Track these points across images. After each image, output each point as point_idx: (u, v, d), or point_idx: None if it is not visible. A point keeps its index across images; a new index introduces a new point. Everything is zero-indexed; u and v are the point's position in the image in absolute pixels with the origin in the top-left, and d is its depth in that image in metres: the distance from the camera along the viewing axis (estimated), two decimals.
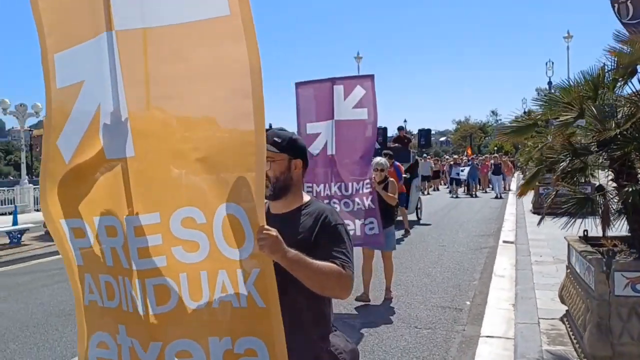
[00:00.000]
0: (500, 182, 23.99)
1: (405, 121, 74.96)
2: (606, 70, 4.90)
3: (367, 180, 6.80)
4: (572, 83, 4.88)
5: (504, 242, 11.74)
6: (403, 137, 17.27)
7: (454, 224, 15.46)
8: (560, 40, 38.59)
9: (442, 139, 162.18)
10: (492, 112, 72.94)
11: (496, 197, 23.21)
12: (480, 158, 32.30)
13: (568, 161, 4.75)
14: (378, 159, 7.28)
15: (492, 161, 25.85)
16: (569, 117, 4.56)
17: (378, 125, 26.66)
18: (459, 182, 25.75)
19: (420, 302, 7.16)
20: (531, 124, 5.00)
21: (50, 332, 6.36)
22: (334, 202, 6.65)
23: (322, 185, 6.87)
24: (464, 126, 75.48)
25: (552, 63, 39.35)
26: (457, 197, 24.67)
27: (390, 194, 7.11)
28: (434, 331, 6.00)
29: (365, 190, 6.76)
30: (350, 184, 6.81)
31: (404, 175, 14.75)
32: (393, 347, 5.53)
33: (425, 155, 35.26)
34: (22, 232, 13.58)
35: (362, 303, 7.07)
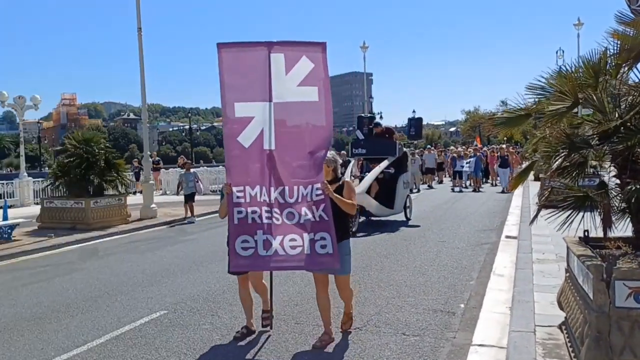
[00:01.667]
0: (506, 175, 23.01)
1: (413, 111, 74.22)
2: (608, 55, 4.40)
3: (318, 185, 5.08)
4: (569, 69, 4.39)
5: (507, 237, 11.27)
6: (381, 132, 15.32)
7: (455, 217, 14.96)
8: (571, 28, 37.72)
9: (452, 129, 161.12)
10: (502, 102, 72.00)
11: (502, 192, 22.40)
12: (484, 149, 31.28)
13: (564, 156, 4.27)
14: (330, 153, 5.42)
15: (499, 153, 25.03)
16: (561, 106, 4.09)
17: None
18: (462, 176, 24.62)
19: (412, 305, 6.73)
20: (523, 114, 4.53)
21: (14, 337, 5.99)
22: (275, 213, 5.13)
23: (257, 188, 5.17)
24: (474, 116, 74.68)
25: (563, 51, 38.62)
26: (460, 191, 23.59)
27: (347, 199, 5.28)
28: (421, 338, 5.56)
29: (315, 197, 5.08)
30: (295, 189, 5.14)
31: (387, 171, 14.16)
32: (376, 358, 5.10)
33: (428, 146, 34.52)
34: (13, 227, 13.25)
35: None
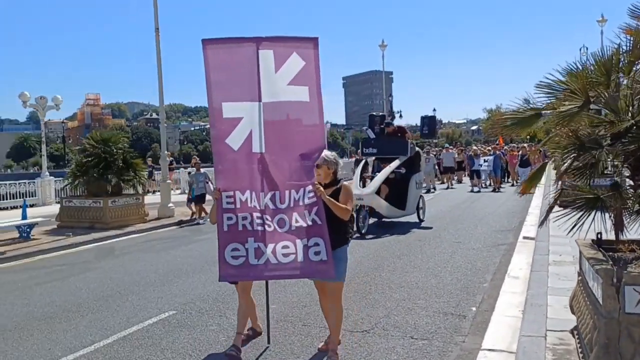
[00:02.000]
0: (527, 174, 22.52)
1: (434, 110, 73.56)
2: (621, 52, 4.25)
3: (310, 188, 4.79)
4: (580, 67, 4.25)
5: (524, 238, 11.08)
6: (393, 131, 14.96)
7: (473, 218, 14.76)
8: (594, 25, 37.00)
9: (474, 127, 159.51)
10: (525, 100, 70.92)
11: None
12: (505, 148, 30.57)
13: (573, 157, 4.13)
14: (326, 153, 5.02)
15: (520, 152, 24.46)
16: (573, 106, 3.95)
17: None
18: (480, 175, 23.78)
19: (422, 308, 6.62)
20: (533, 115, 4.40)
21: (24, 337, 6.04)
22: (267, 220, 4.82)
23: (248, 193, 4.85)
24: (495, 115, 73.76)
25: (587, 49, 37.76)
26: (479, 191, 22.78)
27: (342, 205, 4.89)
28: (430, 342, 5.46)
29: (307, 201, 4.78)
30: (287, 194, 4.83)
31: (398, 171, 13.80)
32: None
33: (447, 145, 34.07)
34: (31, 226, 13.45)
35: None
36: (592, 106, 4.38)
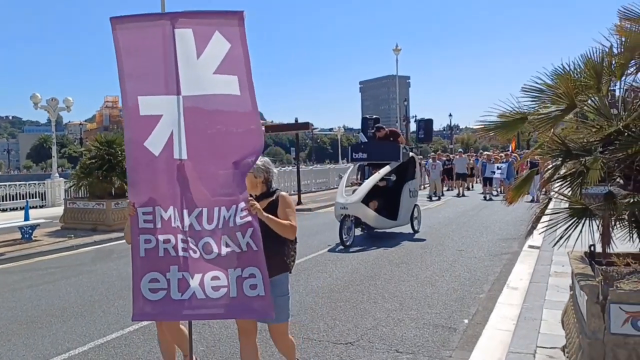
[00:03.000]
0: (537, 182, 21.72)
1: (450, 115, 73.16)
2: (613, 54, 4.00)
3: (243, 204, 3.72)
4: (568, 69, 4.00)
5: (530, 247, 10.74)
6: (385, 135, 13.84)
7: (479, 225, 14.43)
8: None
9: (492, 133, 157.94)
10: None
11: (532, 201, 21.30)
12: (515, 154, 29.85)
13: (559, 164, 3.89)
14: (260, 160, 4.07)
15: (529, 159, 23.85)
16: (556, 110, 3.70)
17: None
18: (492, 182, 22.99)
19: (413, 319, 6.38)
20: (519, 118, 4.15)
21: (0, 343, 5.92)
22: (191, 244, 3.77)
23: (171, 210, 3.82)
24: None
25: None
26: (490, 199, 21.77)
27: (282, 220, 3.97)
28: (415, 357, 5.22)
29: (240, 220, 3.72)
30: (215, 212, 3.78)
31: (389, 178, 12.92)
32: None
33: (460, 150, 33.57)
34: (34, 227, 13.44)
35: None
36: (585, 109, 4.14)
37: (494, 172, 22.70)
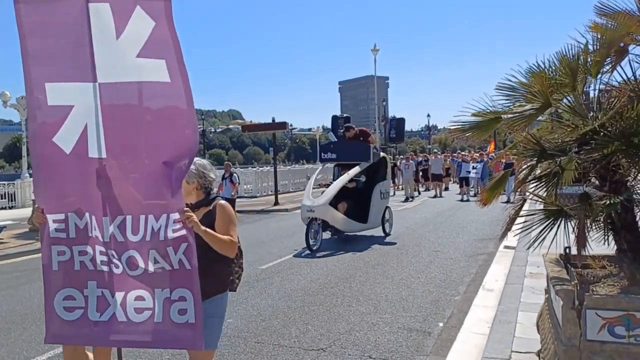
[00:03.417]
0: (511, 183, 21.79)
1: (428, 115, 73.70)
2: (589, 52, 3.88)
3: (177, 215, 3.16)
4: (543, 67, 3.88)
5: (505, 247, 10.69)
6: (354, 135, 13.35)
7: (456, 226, 14.38)
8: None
9: (469, 133, 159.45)
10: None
11: (507, 202, 21.30)
12: (492, 154, 29.96)
13: (533, 164, 3.77)
14: (194, 164, 3.46)
15: (504, 160, 23.96)
16: (530, 109, 3.58)
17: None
18: (469, 182, 23.07)
19: (387, 323, 6.23)
20: (493, 118, 4.02)
21: None
22: (113, 257, 3.24)
23: (87, 217, 3.28)
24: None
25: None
26: (467, 200, 21.51)
27: (223, 236, 3.39)
28: None
29: (172, 234, 3.16)
30: (142, 221, 3.21)
31: (358, 179, 12.61)
32: None
33: (435, 151, 33.69)
34: (0, 229, 13.02)
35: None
36: (560, 109, 4.03)
37: (469, 172, 22.75)
